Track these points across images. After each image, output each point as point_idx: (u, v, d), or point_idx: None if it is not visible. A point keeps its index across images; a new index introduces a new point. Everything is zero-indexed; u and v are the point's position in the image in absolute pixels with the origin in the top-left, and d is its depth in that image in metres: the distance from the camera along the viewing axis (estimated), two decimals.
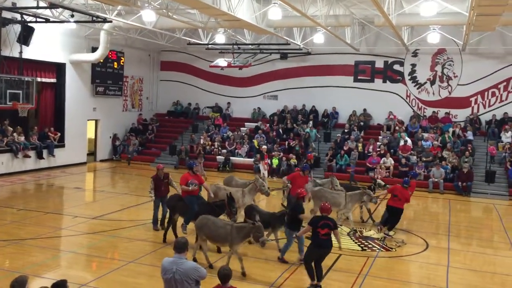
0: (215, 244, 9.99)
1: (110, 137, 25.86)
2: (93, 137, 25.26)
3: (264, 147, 21.81)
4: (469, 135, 22.26)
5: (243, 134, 25.18)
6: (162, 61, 29.58)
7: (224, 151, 24.13)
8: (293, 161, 22.05)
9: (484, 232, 14.37)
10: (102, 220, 13.31)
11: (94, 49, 22.87)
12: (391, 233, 12.49)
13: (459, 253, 11.78)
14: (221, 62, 24.25)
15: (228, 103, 28.00)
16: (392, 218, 12.50)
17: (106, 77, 24.76)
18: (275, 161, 22.40)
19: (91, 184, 21.08)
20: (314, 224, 8.75)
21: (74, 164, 22.87)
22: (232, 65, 23.99)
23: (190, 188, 11.14)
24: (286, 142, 24.08)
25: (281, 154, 22.85)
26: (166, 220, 11.78)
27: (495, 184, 19.84)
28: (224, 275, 5.69)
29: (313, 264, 8.80)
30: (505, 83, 23.06)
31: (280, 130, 25.10)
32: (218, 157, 24.04)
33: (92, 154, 25.18)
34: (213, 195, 11.97)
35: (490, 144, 21.65)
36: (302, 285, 9.02)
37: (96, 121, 25.09)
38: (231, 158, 23.70)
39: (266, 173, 16.28)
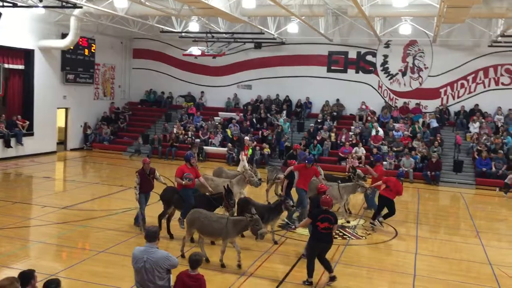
0: (208, 238, 9.78)
1: (81, 125, 25.41)
2: (63, 125, 24.76)
3: (246, 138, 21.72)
4: (433, 123, 22.76)
5: (217, 123, 25.10)
6: (135, 48, 29.13)
7: (198, 140, 24.03)
8: (267, 150, 22.14)
9: (452, 220, 14.78)
10: (72, 210, 13.11)
11: (64, 36, 22.32)
12: (376, 223, 12.50)
13: (427, 241, 12.09)
14: (195, 50, 24.03)
15: (202, 92, 27.82)
16: (380, 207, 12.54)
17: (76, 64, 24.24)
18: (249, 151, 22.39)
19: (61, 173, 20.72)
20: (313, 217, 8.57)
21: (43, 153, 22.41)
22: (206, 53, 23.77)
23: (183, 182, 10.67)
24: (260, 132, 24.13)
25: (255, 143, 22.89)
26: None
27: (463, 173, 20.37)
28: (194, 261, 5.72)
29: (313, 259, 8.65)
30: (473, 75, 23.60)
31: (254, 120, 25.12)
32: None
33: (62, 143, 24.69)
34: (211, 189, 11.56)
35: (457, 133, 22.19)
36: (273, 273, 9.10)
37: (67, 109, 24.58)
38: (204, 147, 23.61)
39: (246, 164, 16.11)
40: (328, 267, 8.70)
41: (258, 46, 25.95)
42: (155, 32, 25.99)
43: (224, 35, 24.17)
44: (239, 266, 9.17)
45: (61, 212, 12.92)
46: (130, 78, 29.23)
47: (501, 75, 23.20)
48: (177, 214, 11.18)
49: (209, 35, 23.64)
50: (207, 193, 11.29)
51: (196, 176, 11.12)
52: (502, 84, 23.23)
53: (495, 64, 23.20)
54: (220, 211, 11.01)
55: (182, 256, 9.38)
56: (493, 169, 19.69)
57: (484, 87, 23.51)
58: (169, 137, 24.27)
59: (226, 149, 23.04)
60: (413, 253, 10.86)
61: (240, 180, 12.75)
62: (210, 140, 24.16)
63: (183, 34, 24.41)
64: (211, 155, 23.54)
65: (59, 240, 10.78)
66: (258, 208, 10.33)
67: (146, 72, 28.79)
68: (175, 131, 24.58)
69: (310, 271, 8.60)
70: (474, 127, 22.24)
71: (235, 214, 10.62)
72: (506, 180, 18.20)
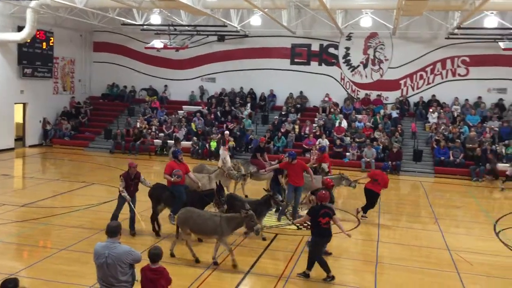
0: (202, 237, 9.58)
1: (40, 121, 24.70)
2: (21, 121, 24.01)
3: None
4: (394, 114, 23.34)
5: (181, 117, 24.91)
6: (95, 42, 28.48)
7: (162, 134, 23.78)
8: (232, 143, 22.13)
9: (412, 208, 15.19)
10: (32, 207, 12.77)
11: (20, 28, 21.58)
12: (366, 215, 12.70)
13: (389, 228, 12.40)
14: (157, 43, 23.66)
15: (165, 85, 27.52)
16: (368, 201, 12.70)
17: (34, 58, 23.50)
18: (213, 144, 22.37)
19: (20, 170, 20.13)
20: (314, 213, 8.48)
21: (0, 150, 21.68)
22: (169, 46, 23.46)
23: (172, 179, 10.47)
24: (225, 125, 24.09)
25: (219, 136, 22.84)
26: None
27: (422, 162, 20.98)
28: (154, 255, 5.72)
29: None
30: (431, 66, 24.26)
31: (218, 113, 25.04)
32: (155, 140, 23.66)
33: (20, 139, 23.95)
34: (200, 185, 11.32)
35: (413, 122, 22.91)
36: (239, 264, 9.13)
37: (24, 104, 23.83)
38: (168, 141, 23.37)
39: (228, 158, 15.83)
40: (312, 264, 8.69)
41: (221, 39, 25.84)
42: (116, 25, 25.49)
43: (186, 27, 23.94)
44: (234, 266, 8.99)
45: (21, 210, 12.57)
46: (91, 72, 28.59)
47: (458, 66, 23.94)
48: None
49: (171, 27, 23.35)
50: (196, 190, 11.10)
51: (185, 172, 10.91)
52: (459, 75, 23.99)
53: (452, 55, 23.91)
54: (209, 207, 10.81)
55: (197, 261, 9.20)
56: (451, 157, 20.36)
57: (442, 78, 24.21)
58: (132, 132, 23.93)
59: (190, 143, 22.91)
60: (375, 240, 11.13)
61: (219, 174, 12.65)
62: (174, 134, 23.93)
63: (144, 26, 24.02)
64: None
65: (19, 239, 10.50)
66: (243, 202, 10.20)
67: (108, 66, 28.21)
68: (138, 126, 24.24)
69: (325, 266, 8.58)
70: (432, 117, 22.90)
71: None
72: (507, 173, 18.24)
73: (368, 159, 20.62)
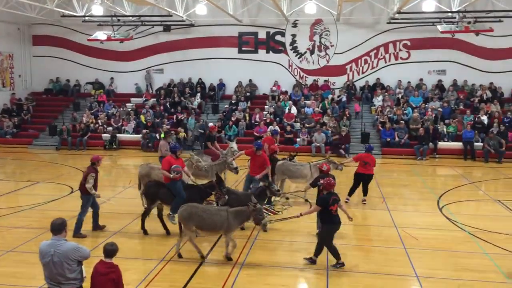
0: (207, 233, 9.23)
1: None
2: None
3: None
4: (343, 98, 23.90)
5: (129, 110, 24.42)
6: (34, 35, 27.36)
7: (110, 128, 23.27)
8: (182, 134, 21.96)
9: (360, 189, 15.56)
10: None
11: None
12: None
13: (340, 211, 12.67)
14: (100, 35, 23.04)
15: (111, 78, 26.85)
16: (356, 184, 12.88)
17: None
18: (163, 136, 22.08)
19: None
20: (325, 203, 8.41)
21: None
22: (112, 38, 22.91)
23: (171, 175, 10.02)
24: (174, 116, 23.84)
25: (170, 127, 22.60)
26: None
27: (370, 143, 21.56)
28: (110, 251, 5.65)
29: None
30: (375, 51, 24.94)
31: (168, 104, 24.74)
32: (103, 135, 23.13)
33: None
34: (193, 178, 11.03)
35: (356, 103, 23.67)
36: (192, 255, 9.14)
37: None
38: (117, 135, 22.92)
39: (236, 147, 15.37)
40: (336, 253, 8.71)
41: (167, 29, 25.43)
42: (56, 17, 24.57)
43: (130, 18, 23.42)
44: (229, 259, 8.91)
45: None
46: (31, 66, 27.49)
47: (400, 50, 24.73)
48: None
49: (114, 18, 22.75)
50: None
51: (182, 167, 10.52)
52: (401, 58, 24.79)
53: (394, 40, 24.67)
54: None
55: (203, 257, 8.97)
56: (396, 138, 21.11)
57: (385, 62, 24.95)
58: (78, 127, 23.26)
59: (140, 135, 22.55)
60: None
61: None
62: (123, 127, 23.48)
63: (86, 18, 23.28)
64: (125, 142, 22.93)
65: None
66: (240, 196, 10.06)
67: (49, 60, 27.20)
68: (84, 120, 23.58)
69: (336, 253, 8.61)
70: (378, 101, 23.59)
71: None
72: None
73: (318, 144, 21.02)
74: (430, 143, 20.65)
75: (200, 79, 26.12)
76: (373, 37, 24.74)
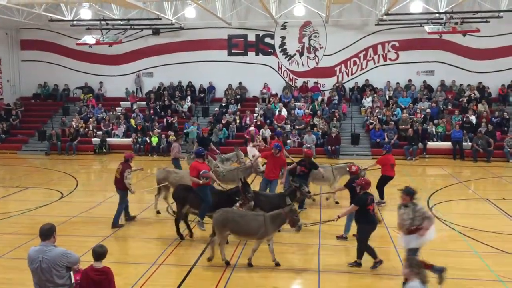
0: (244, 238, 9.06)
1: None
2: None
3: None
4: (335, 100, 24.04)
5: (119, 114, 24.34)
6: (22, 39, 27.20)
7: (100, 132, 23.16)
8: (172, 138, 21.91)
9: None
10: None
11: None
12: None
13: (332, 212, 12.72)
14: (89, 39, 22.97)
15: (101, 82, 26.74)
16: (383, 187, 12.86)
17: None
18: (155, 139, 22.07)
19: None
20: (363, 203, 8.40)
21: None
22: (101, 42, 22.84)
23: (201, 181, 9.73)
24: (165, 120, 23.79)
25: (160, 131, 22.58)
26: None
27: (360, 145, 21.74)
28: (99, 254, 5.61)
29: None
30: (364, 52, 25.09)
31: (158, 108, 24.68)
32: (93, 139, 23.03)
33: None
34: (219, 183, 10.83)
35: (344, 104, 23.79)
36: (184, 259, 9.13)
37: None
38: (107, 139, 22.83)
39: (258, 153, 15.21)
40: (372, 252, 8.76)
41: (156, 32, 25.41)
42: (44, 21, 24.43)
43: (119, 22, 23.35)
44: (277, 264, 8.73)
45: None
46: (19, 71, 27.30)
47: (388, 51, 24.92)
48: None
49: (103, 22, 22.69)
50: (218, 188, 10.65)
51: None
52: (390, 59, 24.98)
53: (382, 41, 24.85)
54: None
55: (227, 263, 8.79)
56: (386, 139, 21.23)
57: (374, 63, 25.12)
58: (68, 132, 23.13)
59: (130, 139, 22.49)
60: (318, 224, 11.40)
61: (244, 170, 12.42)
62: (113, 131, 23.39)
63: (74, 22, 23.17)
64: (115, 146, 22.83)
65: None
66: (270, 198, 9.95)
67: (38, 64, 27.04)
68: (74, 125, 23.45)
69: (373, 253, 8.64)
70: (367, 102, 23.72)
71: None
72: None
73: (308, 145, 21.07)
74: (420, 143, 20.80)
75: (190, 82, 26.10)
76: (362, 39, 24.89)
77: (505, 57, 24.00)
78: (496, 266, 8.73)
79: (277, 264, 8.71)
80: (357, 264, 8.73)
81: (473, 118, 21.82)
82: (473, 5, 22.19)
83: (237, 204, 9.68)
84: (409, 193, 7.75)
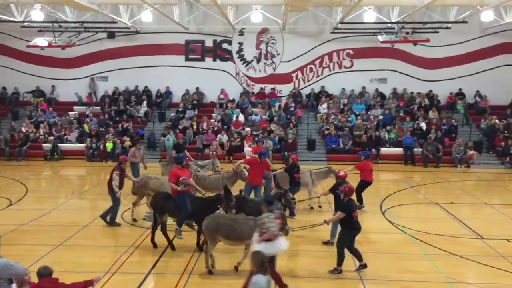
0: (234, 243, 8.77)
1: None
2: None
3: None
4: (292, 106, 24.30)
5: (72, 118, 23.67)
6: None
7: (51, 138, 22.44)
8: (127, 143, 21.54)
9: (305, 195, 15.69)
10: None
11: None
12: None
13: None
14: (41, 41, 22.20)
15: (53, 86, 25.92)
16: (361, 192, 12.90)
17: None
18: (109, 145, 21.60)
19: None
20: (350, 209, 8.56)
21: None
22: (54, 44, 22.14)
23: (179, 188, 9.63)
24: (120, 125, 23.34)
25: (116, 137, 22.12)
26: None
27: (316, 151, 22.08)
28: (45, 274, 5.50)
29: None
30: (320, 60, 25.55)
31: (113, 113, 24.18)
32: (44, 145, 22.28)
33: None
34: (200, 189, 10.64)
35: (298, 109, 24.14)
36: (139, 267, 8.96)
37: None
38: (59, 145, 22.14)
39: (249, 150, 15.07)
40: (359, 256, 8.87)
41: (111, 35, 24.93)
42: None
43: (73, 24, 22.73)
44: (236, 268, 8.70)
45: None
46: None
47: (343, 59, 25.48)
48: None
49: (55, 24, 22.02)
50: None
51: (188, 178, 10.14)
52: (345, 67, 25.54)
53: (337, 49, 25.38)
54: None
55: (209, 272, 8.64)
56: (341, 145, 21.66)
57: (330, 70, 25.62)
58: (17, 137, 22.29)
59: (84, 145, 21.92)
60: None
61: (232, 176, 12.46)
62: (65, 136, 22.72)
63: (25, 24, 22.36)
64: (68, 152, 22.18)
65: None
66: (256, 203, 9.84)
67: None
68: (24, 130, 22.61)
69: (359, 256, 8.81)
70: (323, 108, 24.14)
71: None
72: None
73: (265, 151, 21.15)
74: (373, 149, 21.33)
75: (146, 87, 25.74)
76: (318, 46, 25.34)
77: (452, 66, 25.04)
78: (445, 268, 9.05)
79: (236, 269, 8.64)
80: (364, 266, 8.86)
81: (423, 125, 22.61)
82: (423, 16, 23.06)
83: (220, 212, 9.63)
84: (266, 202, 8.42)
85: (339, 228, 9.11)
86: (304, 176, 13.05)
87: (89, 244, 10.23)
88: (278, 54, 25.67)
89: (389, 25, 21.88)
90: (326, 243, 10.31)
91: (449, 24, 22.17)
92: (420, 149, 21.38)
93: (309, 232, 10.57)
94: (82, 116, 24.07)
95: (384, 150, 21.67)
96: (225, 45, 25.78)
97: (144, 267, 8.94)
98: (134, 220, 11.88)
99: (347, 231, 8.73)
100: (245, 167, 12.64)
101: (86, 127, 22.88)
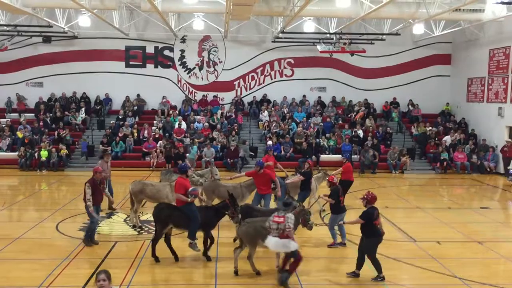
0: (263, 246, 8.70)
1: None
2: None
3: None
4: (232, 115, 24.46)
5: (3, 126, 22.55)
6: None
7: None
8: (64, 152, 20.79)
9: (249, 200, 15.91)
10: None
11: None
12: None
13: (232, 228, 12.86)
14: None
15: None
16: (346, 190, 13.37)
17: None
18: (44, 153, 20.76)
19: None
20: (371, 216, 8.56)
21: None
22: None
23: (189, 199, 9.31)
24: (56, 132, 22.50)
25: (51, 145, 21.28)
26: None
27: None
28: None
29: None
30: (261, 68, 25.94)
31: (48, 120, 23.27)
32: None
33: None
34: (204, 199, 10.54)
35: (237, 114, 24.43)
36: (74, 280, 8.67)
37: None
38: None
39: None
40: (362, 264, 8.89)
41: (47, 40, 24.00)
42: None
43: (5, 27, 21.75)
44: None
45: None
46: None
47: (284, 67, 26.01)
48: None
49: None
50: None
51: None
52: (286, 75, 26.06)
53: (278, 58, 25.88)
54: None
55: (258, 273, 8.86)
56: (282, 152, 21.99)
57: (271, 78, 26.05)
58: None
59: (17, 153, 20.93)
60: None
61: (251, 184, 12.24)
62: None
63: None
64: None
65: None
66: (265, 213, 9.77)
67: None
68: None
69: (379, 267, 8.75)
70: (264, 116, 24.44)
71: None
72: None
73: (208, 158, 21.15)
74: (313, 156, 21.81)
75: (84, 93, 25.00)
76: (260, 55, 25.69)
77: (387, 76, 26.20)
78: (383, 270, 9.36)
79: (235, 272, 8.84)
80: (381, 278, 8.83)
81: (360, 133, 23.41)
82: (359, 28, 23.95)
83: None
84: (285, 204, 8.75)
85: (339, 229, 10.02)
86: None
87: (20, 257, 9.77)
88: (220, 62, 25.78)
89: (328, 35, 22.56)
90: (332, 245, 10.80)
91: (384, 36, 23.18)
92: (358, 156, 22.08)
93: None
94: (14, 123, 22.97)
95: (323, 157, 22.21)
96: (166, 52, 25.57)
97: (79, 280, 8.65)
98: (140, 227, 11.91)
99: (369, 239, 8.75)
100: None
101: (19, 134, 21.87)
